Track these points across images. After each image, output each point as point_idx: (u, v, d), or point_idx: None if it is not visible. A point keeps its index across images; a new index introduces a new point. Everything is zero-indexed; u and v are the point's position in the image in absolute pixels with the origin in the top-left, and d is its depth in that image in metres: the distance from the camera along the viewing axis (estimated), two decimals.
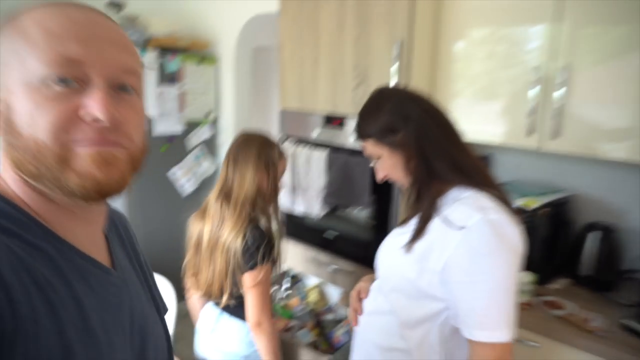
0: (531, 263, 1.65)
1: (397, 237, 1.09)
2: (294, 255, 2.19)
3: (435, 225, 0.98)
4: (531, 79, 1.56)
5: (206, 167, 3.16)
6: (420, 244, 0.99)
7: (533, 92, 1.56)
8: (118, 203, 2.82)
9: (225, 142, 3.17)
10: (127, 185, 0.58)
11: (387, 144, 1.05)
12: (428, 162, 1.02)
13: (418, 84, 1.70)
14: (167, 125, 2.90)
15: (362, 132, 1.11)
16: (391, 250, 1.11)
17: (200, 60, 2.96)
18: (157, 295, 0.82)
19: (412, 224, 1.04)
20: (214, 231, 1.45)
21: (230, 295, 1.45)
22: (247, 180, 1.43)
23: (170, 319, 1.68)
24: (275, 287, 2.24)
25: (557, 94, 1.51)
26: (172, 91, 2.89)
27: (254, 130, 1.58)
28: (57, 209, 0.56)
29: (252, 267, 1.39)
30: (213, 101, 3.12)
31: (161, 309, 0.81)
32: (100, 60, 0.54)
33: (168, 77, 2.85)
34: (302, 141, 2.06)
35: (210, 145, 3.17)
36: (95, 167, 0.53)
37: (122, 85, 0.56)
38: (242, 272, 1.41)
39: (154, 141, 2.87)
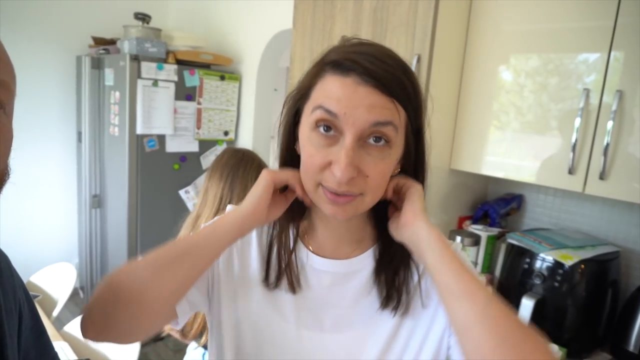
0: (562, 331, 1.36)
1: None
2: None
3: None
4: (576, 108, 1.28)
5: None
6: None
7: (578, 124, 1.28)
8: (123, 218, 2.72)
9: None
10: None
11: (407, 130, 0.62)
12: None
13: (436, 105, 1.46)
14: (180, 143, 2.79)
15: (394, 87, 0.58)
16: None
17: (222, 77, 2.85)
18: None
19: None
20: None
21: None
22: None
23: None
24: None
25: (607, 128, 1.22)
26: (189, 107, 2.78)
27: (244, 149, 1.47)
28: None
29: None
30: (233, 120, 2.99)
31: None
32: None
33: (186, 93, 2.74)
34: None
35: None
36: None
37: None
38: None
39: (167, 157, 2.76)
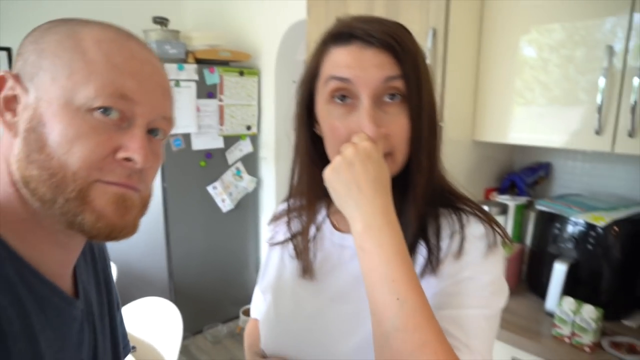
0: (598, 294, 1.35)
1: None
2: None
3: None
4: (601, 68, 1.26)
5: (246, 183, 3.05)
6: None
7: (603, 85, 1.26)
8: (159, 218, 2.78)
9: (267, 157, 3.06)
10: (136, 230, 0.55)
11: (411, 90, 0.61)
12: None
13: (455, 79, 1.46)
14: (206, 140, 2.84)
15: (396, 43, 0.59)
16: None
17: (241, 72, 2.90)
18: (121, 332, 0.71)
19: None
20: None
21: None
22: None
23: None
24: None
25: (634, 85, 1.20)
26: (211, 104, 2.83)
27: None
28: (37, 229, 0.51)
29: None
30: (255, 115, 3.04)
31: (121, 349, 0.71)
32: (149, 104, 0.52)
33: (207, 91, 2.80)
34: None
35: (251, 159, 3.07)
36: (113, 210, 0.50)
37: (156, 129, 0.55)
38: None
39: (193, 155, 2.82)
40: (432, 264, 0.62)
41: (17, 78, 0.51)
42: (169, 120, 0.57)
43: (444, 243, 0.63)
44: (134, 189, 0.53)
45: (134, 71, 0.51)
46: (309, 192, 0.73)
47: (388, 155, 0.61)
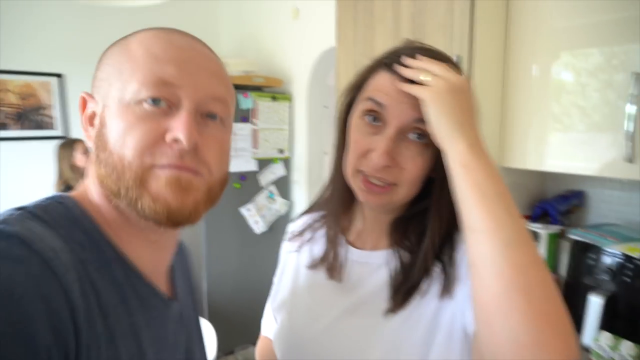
0: (638, 330, 1.28)
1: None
2: None
3: None
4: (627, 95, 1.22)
5: (278, 205, 3.09)
6: None
7: (634, 112, 1.21)
8: (197, 236, 2.86)
9: (299, 180, 3.09)
10: (199, 215, 0.55)
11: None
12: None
13: (481, 105, 1.44)
14: (240, 163, 2.91)
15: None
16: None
17: (273, 97, 2.96)
18: (203, 339, 0.74)
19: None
20: None
21: None
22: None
23: None
24: None
25: None
26: (245, 128, 2.91)
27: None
28: (130, 229, 0.55)
29: None
30: (286, 139, 3.09)
31: (206, 354, 0.74)
32: (192, 85, 0.53)
33: (241, 115, 2.88)
34: None
35: (284, 183, 3.11)
36: (169, 192, 0.51)
37: (210, 112, 0.56)
38: None
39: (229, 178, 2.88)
40: (447, 287, 0.62)
41: (90, 96, 0.57)
42: (223, 102, 0.57)
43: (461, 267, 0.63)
44: (189, 171, 0.53)
45: (172, 57, 0.53)
46: (340, 198, 0.75)
47: (393, 185, 0.64)
